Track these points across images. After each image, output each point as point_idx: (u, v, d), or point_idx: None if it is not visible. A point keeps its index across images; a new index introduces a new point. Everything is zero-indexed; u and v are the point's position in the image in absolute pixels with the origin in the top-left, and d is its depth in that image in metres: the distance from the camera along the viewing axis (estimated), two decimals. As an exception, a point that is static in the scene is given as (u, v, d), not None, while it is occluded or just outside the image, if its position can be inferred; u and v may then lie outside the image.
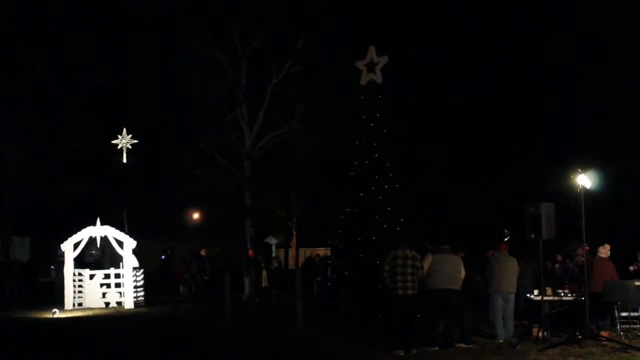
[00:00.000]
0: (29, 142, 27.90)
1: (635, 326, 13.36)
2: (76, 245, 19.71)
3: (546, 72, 34.04)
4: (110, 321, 16.86)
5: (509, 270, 12.49)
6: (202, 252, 22.26)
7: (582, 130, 30.47)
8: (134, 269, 19.99)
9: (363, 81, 17.11)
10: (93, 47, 27.79)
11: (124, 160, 24.35)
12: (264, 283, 21.82)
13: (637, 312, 13.68)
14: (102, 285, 20.07)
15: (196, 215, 40.80)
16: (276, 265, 25.76)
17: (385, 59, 16.97)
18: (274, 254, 37.53)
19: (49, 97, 28.38)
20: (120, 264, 20.10)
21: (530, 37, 35.13)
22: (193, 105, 27.72)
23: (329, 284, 19.30)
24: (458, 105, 33.07)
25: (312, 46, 27.05)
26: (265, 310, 18.36)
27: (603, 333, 12.25)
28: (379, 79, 16.93)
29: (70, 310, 19.00)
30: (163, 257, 29.70)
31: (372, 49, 17.15)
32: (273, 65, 28.30)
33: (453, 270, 11.70)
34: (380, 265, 11.84)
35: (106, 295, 20.01)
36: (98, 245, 20.71)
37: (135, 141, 24.46)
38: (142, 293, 20.55)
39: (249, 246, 26.04)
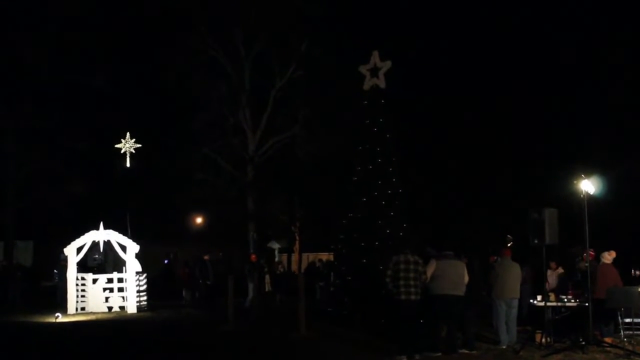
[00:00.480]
0: (32, 146, 27.96)
1: (639, 332, 13.31)
2: (79, 250, 19.72)
3: (550, 75, 33.98)
4: (113, 326, 16.86)
5: (512, 275, 12.47)
6: (205, 257, 22.24)
7: (586, 135, 30.40)
8: (137, 273, 20.00)
9: (366, 86, 17.12)
10: (96, 49, 27.86)
11: (128, 164, 24.39)
12: (267, 288, 21.81)
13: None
14: (105, 289, 20.06)
15: (199, 220, 40.76)
16: (281, 270, 25.74)
17: (388, 64, 16.97)
18: (276, 259, 37.48)
19: (51, 100, 28.45)
20: (123, 268, 20.11)
21: (533, 40, 35.08)
22: (196, 109, 27.74)
23: (331, 288, 19.27)
24: (461, 109, 33.01)
25: (315, 50, 27.06)
26: (267, 315, 18.35)
27: (606, 339, 12.21)
28: (382, 83, 16.93)
29: (73, 315, 19.01)
30: (166, 261, 29.71)
31: (375, 53, 17.15)
32: (276, 69, 28.32)
33: (456, 276, 11.68)
34: (383, 270, 11.83)
35: (109, 299, 20.00)
36: (101, 250, 20.73)
37: (139, 145, 24.50)
38: (144, 297, 20.54)
39: (251, 251, 26.03)
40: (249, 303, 19.43)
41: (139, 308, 19.83)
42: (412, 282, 11.11)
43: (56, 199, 28.54)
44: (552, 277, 15.12)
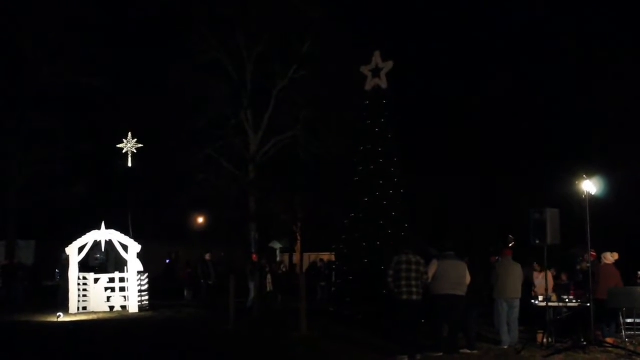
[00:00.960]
0: (34, 145, 28.00)
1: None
2: (81, 249, 19.73)
3: (551, 76, 33.97)
4: (114, 325, 16.86)
5: (513, 275, 12.47)
6: (207, 257, 22.25)
7: (588, 136, 30.39)
8: (139, 273, 20.00)
9: (368, 86, 17.15)
10: (98, 49, 27.89)
11: (129, 164, 24.41)
12: (269, 288, 21.81)
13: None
14: (106, 289, 20.06)
15: (201, 220, 40.80)
16: (284, 270, 25.77)
17: (390, 64, 17.00)
18: (278, 259, 37.50)
19: (53, 100, 28.49)
20: (125, 268, 20.11)
21: (536, 41, 35.08)
22: (198, 109, 27.76)
23: (333, 289, 19.29)
24: (462, 109, 33.02)
25: (317, 51, 27.08)
26: (269, 314, 18.35)
27: (608, 339, 12.21)
28: (384, 84, 16.95)
29: (75, 314, 19.01)
30: (167, 261, 29.74)
31: (377, 54, 17.18)
32: (278, 69, 28.34)
33: (458, 276, 11.68)
34: (385, 270, 11.83)
35: (111, 299, 20.01)
36: (103, 249, 20.74)
37: (141, 145, 24.50)
38: (146, 297, 20.54)
39: (253, 251, 26.05)
40: (250, 303, 19.45)
41: (140, 308, 19.83)
42: (413, 282, 11.10)
43: (58, 198, 28.58)
44: (539, 279, 15.03)
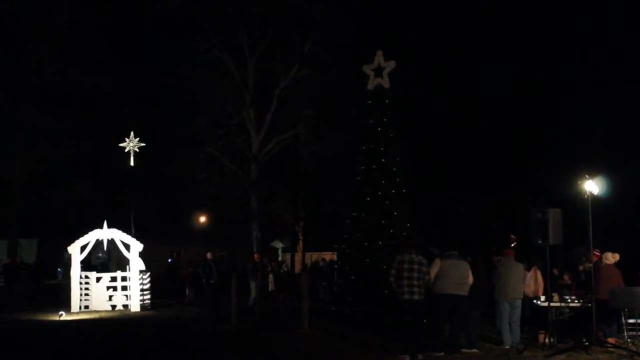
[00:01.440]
0: (36, 144, 28.02)
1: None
2: (83, 248, 19.75)
3: (554, 75, 33.97)
4: (116, 324, 16.88)
5: (515, 275, 12.46)
6: (209, 256, 22.25)
7: (591, 136, 30.38)
8: (141, 272, 20.02)
9: (370, 86, 17.12)
10: (100, 48, 27.91)
11: (132, 163, 24.43)
12: (271, 287, 21.81)
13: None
14: (108, 288, 20.08)
15: (203, 219, 40.83)
16: (285, 269, 25.78)
17: (392, 64, 16.96)
18: (280, 258, 37.54)
19: (54, 99, 28.54)
20: (127, 266, 20.13)
21: (538, 42, 35.08)
22: (200, 108, 27.77)
23: (335, 288, 19.27)
24: (465, 109, 33.01)
25: (319, 50, 27.07)
26: (270, 314, 18.36)
27: (610, 340, 12.19)
28: (386, 83, 16.92)
29: (77, 313, 19.03)
30: (169, 260, 29.77)
31: (379, 53, 17.15)
32: (280, 68, 28.32)
33: (460, 276, 11.67)
34: (387, 269, 11.83)
35: (112, 298, 20.03)
36: (105, 248, 20.77)
37: (143, 144, 24.52)
38: (148, 296, 20.56)
39: (255, 250, 26.06)
40: (252, 302, 19.45)
41: (142, 307, 19.85)
42: (415, 282, 11.09)
43: (60, 197, 28.61)
44: (530, 280, 14.95)
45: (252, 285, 20.04)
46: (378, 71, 17.02)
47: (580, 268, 15.57)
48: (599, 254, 13.16)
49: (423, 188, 27.53)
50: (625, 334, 12.62)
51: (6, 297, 22.87)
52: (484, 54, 35.32)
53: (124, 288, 20.04)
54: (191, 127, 27.68)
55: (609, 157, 26.79)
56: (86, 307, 19.67)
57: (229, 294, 16.57)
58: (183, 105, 28.36)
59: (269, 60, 28.38)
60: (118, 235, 20.13)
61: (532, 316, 13.98)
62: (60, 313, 18.00)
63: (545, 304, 12.52)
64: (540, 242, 11.78)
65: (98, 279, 20.02)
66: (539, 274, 13.03)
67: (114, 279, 20.12)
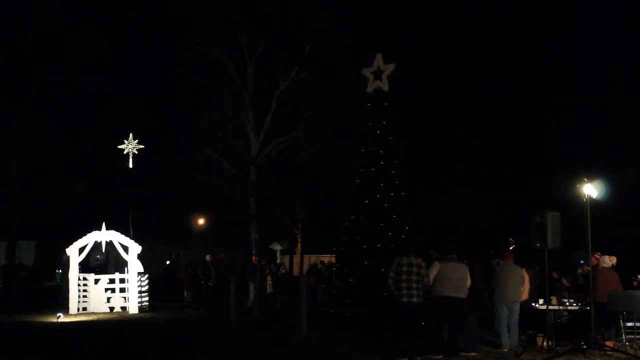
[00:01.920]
0: (34, 145, 27.98)
1: (641, 336, 13.30)
2: (81, 250, 19.74)
3: (553, 78, 34.01)
4: (114, 326, 16.87)
5: (514, 279, 12.46)
6: (207, 258, 22.26)
7: (589, 139, 30.43)
8: (139, 274, 20.01)
9: (370, 88, 17.14)
10: (99, 49, 27.89)
11: (130, 165, 24.42)
12: (269, 289, 21.82)
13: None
14: (106, 290, 20.07)
15: (201, 221, 40.79)
16: (284, 271, 25.78)
17: (392, 67, 16.99)
18: (278, 260, 37.50)
19: (53, 100, 28.49)
20: (125, 268, 20.13)
21: (539, 44, 35.13)
22: (199, 110, 27.74)
23: (333, 290, 19.27)
24: (464, 112, 33.05)
25: (318, 52, 27.07)
26: (269, 316, 18.35)
27: (608, 343, 12.20)
28: (385, 86, 16.95)
29: (75, 315, 19.02)
30: (168, 262, 29.73)
31: (378, 56, 17.17)
32: (280, 71, 28.31)
33: (459, 279, 11.69)
34: (385, 272, 11.83)
35: (111, 300, 20.02)
36: (103, 250, 20.75)
37: (142, 146, 24.51)
38: (146, 298, 20.54)
39: (253, 252, 26.04)
40: (251, 304, 19.44)
41: (140, 309, 19.84)
42: (414, 285, 11.10)
43: (58, 199, 28.55)
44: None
45: (251, 287, 20.03)
46: (377, 74, 17.05)
47: (579, 271, 15.58)
48: (599, 257, 13.17)
49: (422, 191, 27.54)
50: (624, 337, 12.63)
51: (4, 299, 22.84)
52: (484, 55, 35.35)
53: (122, 290, 20.04)
54: (190, 129, 27.67)
55: (608, 160, 26.83)
56: (84, 309, 19.65)
57: (228, 296, 16.56)
58: (182, 107, 28.34)
59: (268, 62, 28.37)
60: (116, 237, 20.12)
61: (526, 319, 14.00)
62: (58, 315, 17.98)
63: (544, 307, 12.53)
64: (538, 245, 11.80)
65: (96, 281, 20.01)
66: (526, 277, 13.02)
67: (112, 281, 20.12)
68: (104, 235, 20.06)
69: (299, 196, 33.32)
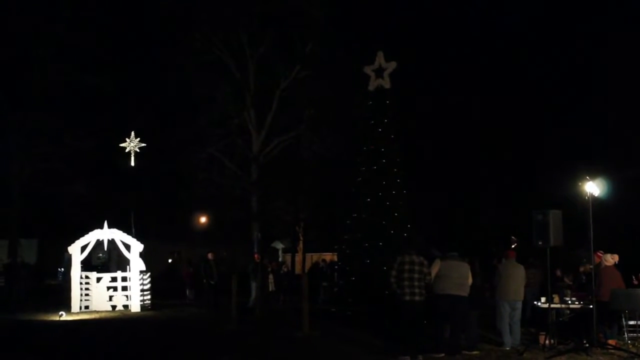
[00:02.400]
0: (36, 144, 28.00)
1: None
2: (83, 248, 19.75)
3: (554, 77, 33.97)
4: (116, 324, 16.88)
5: (516, 277, 12.45)
6: (209, 256, 22.26)
7: (591, 137, 30.39)
8: (141, 272, 20.02)
9: (371, 87, 17.14)
10: (101, 48, 27.89)
11: (132, 164, 24.44)
12: (271, 287, 21.82)
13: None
14: (108, 288, 20.08)
15: (203, 219, 40.82)
16: (285, 270, 25.79)
17: (393, 65, 17.00)
18: (280, 259, 37.52)
19: (55, 99, 28.49)
20: (127, 267, 20.13)
21: (539, 43, 35.09)
22: (201, 108, 27.74)
23: (335, 289, 19.28)
24: (465, 110, 33.02)
25: (320, 51, 27.04)
26: (271, 314, 18.35)
27: (610, 341, 12.17)
28: (387, 84, 16.95)
29: (77, 313, 19.03)
30: (170, 260, 29.76)
31: (380, 54, 17.18)
32: (281, 69, 28.29)
33: (460, 277, 11.67)
34: (387, 270, 11.83)
35: (113, 298, 20.03)
36: (105, 249, 20.76)
37: (144, 144, 24.52)
38: (148, 296, 20.56)
39: (255, 250, 26.04)
40: (252, 302, 19.44)
41: (142, 307, 19.85)
42: (416, 283, 11.08)
43: (60, 197, 28.57)
44: None
45: (253, 285, 20.02)
46: (379, 72, 17.05)
47: (581, 269, 15.55)
48: (601, 255, 13.15)
49: (423, 189, 27.53)
50: (626, 335, 12.63)
51: (7, 297, 22.85)
52: (484, 55, 35.33)
53: (125, 288, 20.04)
54: (192, 128, 27.66)
55: (610, 158, 26.79)
56: (86, 307, 19.67)
57: (230, 294, 16.56)
58: (184, 105, 28.34)
59: (269, 61, 28.34)
60: (118, 236, 20.13)
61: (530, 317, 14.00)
62: (60, 313, 18.01)
63: (546, 305, 12.52)
64: (540, 243, 11.78)
65: (98, 279, 20.02)
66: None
67: (114, 279, 20.13)
68: (106, 233, 20.06)
69: (301, 194, 33.31)
